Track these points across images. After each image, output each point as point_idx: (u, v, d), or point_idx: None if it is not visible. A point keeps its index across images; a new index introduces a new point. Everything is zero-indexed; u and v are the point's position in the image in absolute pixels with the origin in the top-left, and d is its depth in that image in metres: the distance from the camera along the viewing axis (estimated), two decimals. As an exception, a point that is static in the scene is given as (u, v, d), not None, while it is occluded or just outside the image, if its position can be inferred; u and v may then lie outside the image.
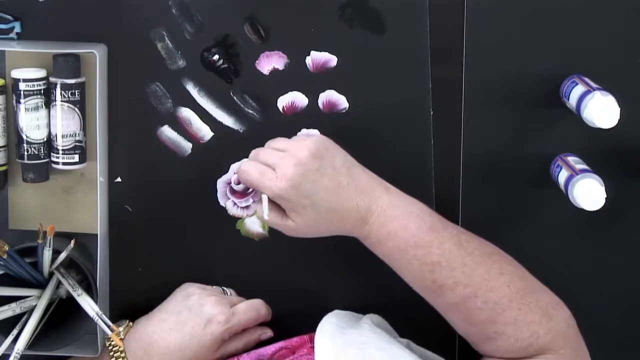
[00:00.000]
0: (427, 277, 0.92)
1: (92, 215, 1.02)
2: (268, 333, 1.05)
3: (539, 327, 0.91)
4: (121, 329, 1.00)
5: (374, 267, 1.05)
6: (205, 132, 1.04)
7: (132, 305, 1.06)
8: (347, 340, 0.93)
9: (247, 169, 0.95)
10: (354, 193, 0.94)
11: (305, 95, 1.04)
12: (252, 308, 1.02)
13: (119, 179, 1.05)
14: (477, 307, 0.91)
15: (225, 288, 1.05)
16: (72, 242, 0.98)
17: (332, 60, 1.03)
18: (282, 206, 0.95)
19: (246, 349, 1.02)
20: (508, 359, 0.93)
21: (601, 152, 1.03)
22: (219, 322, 0.99)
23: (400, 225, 0.93)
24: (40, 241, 0.97)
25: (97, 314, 0.98)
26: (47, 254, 0.98)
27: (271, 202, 0.95)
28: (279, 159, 0.94)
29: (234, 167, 1.05)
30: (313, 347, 0.95)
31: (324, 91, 1.03)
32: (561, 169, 1.00)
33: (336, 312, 1.01)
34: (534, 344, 0.91)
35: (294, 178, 0.92)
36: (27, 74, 0.99)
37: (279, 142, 0.97)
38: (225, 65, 1.03)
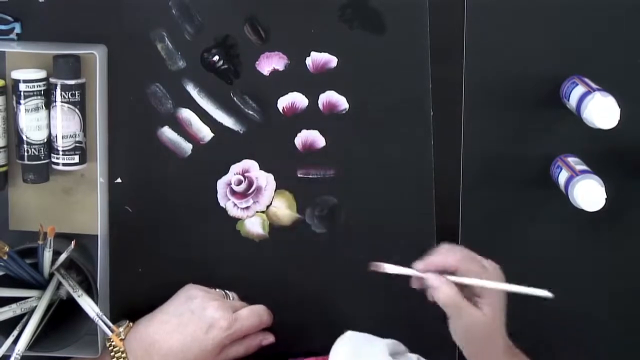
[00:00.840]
0: None
1: (93, 216, 1.02)
2: (269, 339, 1.04)
3: None
4: (121, 329, 1.00)
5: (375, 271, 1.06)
6: (205, 133, 1.04)
7: (132, 306, 1.06)
8: None
9: (467, 261, 0.95)
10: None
11: (306, 96, 1.04)
12: (255, 314, 1.02)
13: (119, 180, 1.05)
14: None
15: (227, 292, 1.05)
16: (73, 243, 0.98)
17: (332, 61, 1.03)
18: (479, 297, 0.93)
19: (247, 354, 1.02)
20: None
21: (601, 152, 1.03)
22: (221, 327, 0.99)
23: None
24: (40, 242, 0.97)
25: (97, 314, 0.98)
26: (48, 255, 0.99)
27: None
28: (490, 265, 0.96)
29: (234, 168, 1.05)
30: None
31: (324, 92, 1.03)
32: (561, 169, 1.00)
33: (349, 335, 1.00)
34: None
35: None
36: (27, 74, 0.99)
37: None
38: (225, 66, 1.03)
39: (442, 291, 0.92)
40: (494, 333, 0.94)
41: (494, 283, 0.93)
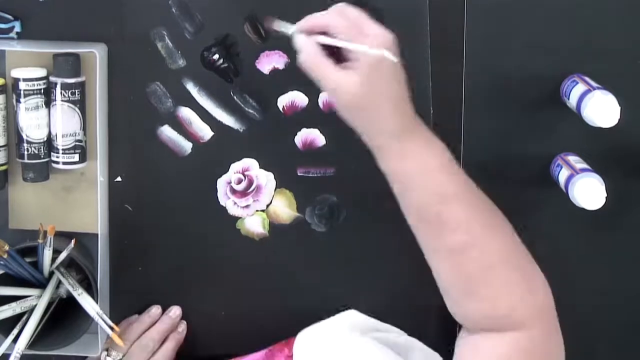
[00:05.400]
0: (434, 208, 0.89)
1: (92, 214, 1.02)
2: (182, 327, 1.07)
3: (520, 299, 0.89)
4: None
5: (375, 268, 1.06)
6: (205, 131, 1.04)
7: (132, 305, 1.06)
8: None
9: (338, 19, 0.88)
10: (408, 104, 0.90)
11: (306, 95, 1.04)
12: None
13: (119, 179, 1.05)
14: (471, 257, 0.89)
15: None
16: (73, 241, 0.98)
17: (332, 60, 1.03)
18: (351, 65, 0.87)
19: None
20: (480, 329, 0.91)
21: (601, 151, 1.03)
22: None
23: (431, 147, 0.90)
24: (40, 241, 0.97)
25: (97, 313, 0.98)
26: (48, 253, 0.99)
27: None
28: (377, 29, 0.87)
29: (234, 166, 1.05)
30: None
31: (324, 91, 1.03)
32: (561, 168, 1.00)
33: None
34: (510, 316, 0.89)
35: (383, 56, 0.86)
36: (27, 73, 0.99)
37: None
38: (226, 65, 1.03)
39: (303, 51, 0.88)
40: (370, 105, 0.87)
41: (356, 45, 0.85)
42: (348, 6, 0.90)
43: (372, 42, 0.86)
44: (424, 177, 0.89)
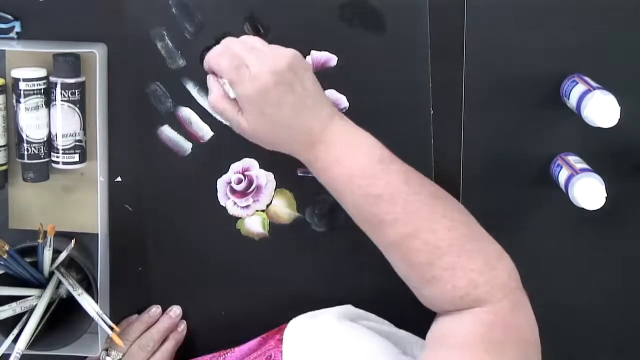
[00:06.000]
0: (368, 209, 0.91)
1: (92, 214, 1.02)
2: (182, 326, 1.08)
3: (478, 276, 0.88)
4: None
5: (374, 268, 1.05)
6: (205, 131, 1.04)
7: (132, 305, 1.06)
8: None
9: (220, 59, 0.93)
10: (312, 116, 0.93)
11: (305, 95, 1.04)
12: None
13: (119, 179, 1.05)
14: (416, 247, 0.89)
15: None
16: (73, 241, 0.98)
17: (332, 59, 1.03)
18: (240, 105, 0.92)
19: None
20: (446, 311, 0.91)
21: (601, 151, 1.03)
22: None
23: (349, 153, 0.92)
24: (40, 241, 0.97)
25: (97, 313, 0.98)
26: (48, 253, 0.99)
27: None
28: (256, 60, 0.91)
29: (234, 166, 1.05)
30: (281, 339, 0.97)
31: (324, 90, 1.03)
32: (561, 168, 1.00)
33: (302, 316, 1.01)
34: (471, 294, 0.88)
35: (268, 85, 0.90)
36: (27, 73, 0.99)
37: (257, 41, 0.94)
38: (225, 65, 1.03)
39: (211, 93, 0.94)
40: (268, 137, 0.93)
41: (231, 90, 0.92)
42: (233, 40, 0.95)
43: (244, 76, 0.90)
44: (351, 183, 0.92)
